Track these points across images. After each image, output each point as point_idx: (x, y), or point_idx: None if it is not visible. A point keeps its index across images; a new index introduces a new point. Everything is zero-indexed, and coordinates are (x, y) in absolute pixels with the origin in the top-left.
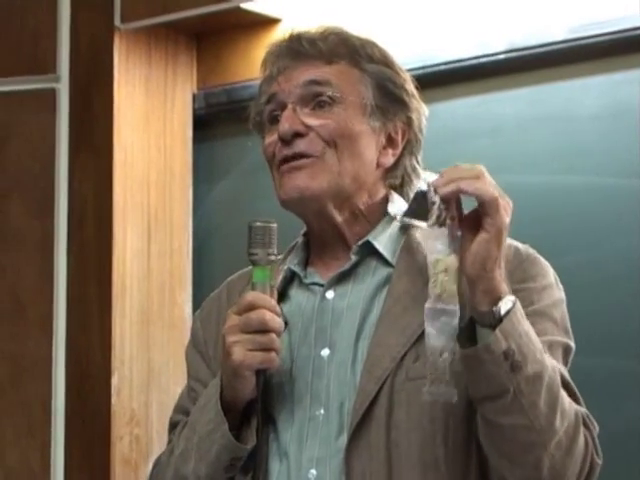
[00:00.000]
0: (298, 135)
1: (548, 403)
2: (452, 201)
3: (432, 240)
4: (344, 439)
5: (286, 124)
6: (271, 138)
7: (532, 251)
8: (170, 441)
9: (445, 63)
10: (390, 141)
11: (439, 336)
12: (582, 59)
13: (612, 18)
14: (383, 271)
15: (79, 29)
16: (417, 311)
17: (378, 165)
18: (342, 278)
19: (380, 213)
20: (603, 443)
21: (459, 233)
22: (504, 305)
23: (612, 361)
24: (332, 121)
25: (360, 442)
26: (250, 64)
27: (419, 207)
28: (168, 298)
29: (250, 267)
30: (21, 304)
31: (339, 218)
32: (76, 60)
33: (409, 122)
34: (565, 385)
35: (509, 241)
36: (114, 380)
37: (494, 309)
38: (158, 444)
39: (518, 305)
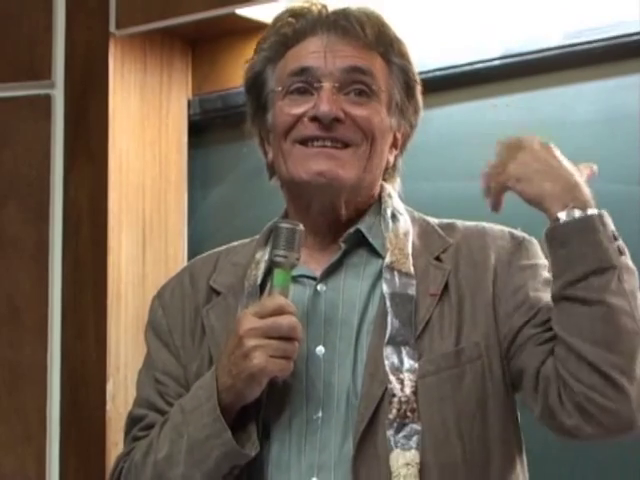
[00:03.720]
0: (336, 120)
1: None
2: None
3: None
4: (350, 445)
5: (327, 106)
6: (295, 109)
7: (523, 233)
8: (137, 438)
9: (440, 69)
10: (394, 140)
11: None
12: (577, 65)
13: (607, 24)
14: (375, 264)
15: (74, 35)
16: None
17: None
18: (333, 269)
19: (370, 205)
20: (601, 449)
21: None
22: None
23: None
24: (372, 114)
25: (367, 448)
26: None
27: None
28: None
29: (213, 251)
30: (16, 310)
31: (344, 211)
32: (71, 66)
33: (413, 124)
34: None
35: (501, 227)
36: (109, 386)
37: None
38: None
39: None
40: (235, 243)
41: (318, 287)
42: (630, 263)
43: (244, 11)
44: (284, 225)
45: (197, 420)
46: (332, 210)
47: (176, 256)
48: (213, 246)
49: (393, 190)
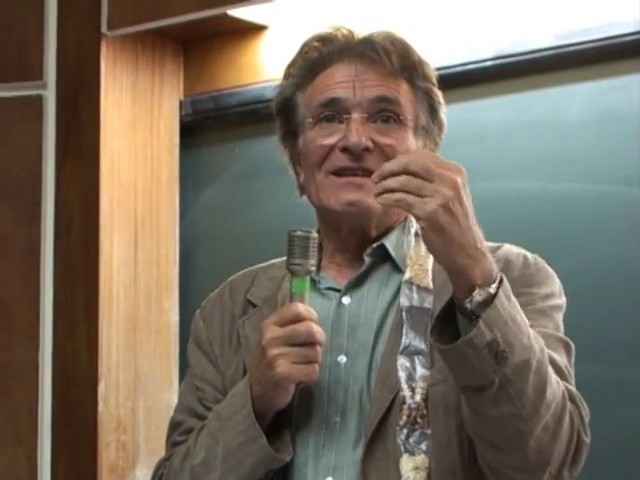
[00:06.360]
0: (365, 150)
1: (536, 389)
2: None
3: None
4: (361, 448)
5: (357, 137)
6: (326, 140)
7: (540, 260)
8: (176, 443)
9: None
10: None
11: None
12: (569, 66)
13: (599, 25)
14: (397, 279)
15: (66, 36)
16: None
17: None
18: (357, 283)
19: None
20: (592, 451)
21: None
22: (482, 293)
23: (602, 368)
24: (397, 143)
25: (376, 451)
26: (237, 71)
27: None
28: (155, 305)
29: (254, 267)
30: (7, 311)
31: (374, 233)
32: (63, 67)
33: (437, 142)
34: (559, 371)
35: (518, 250)
36: (101, 387)
37: (472, 298)
38: (145, 451)
39: (504, 289)
40: (275, 260)
41: (343, 299)
42: (516, 363)
43: (236, 12)
44: (297, 234)
45: (233, 427)
46: (362, 232)
47: (167, 257)
48: (205, 247)
49: None
